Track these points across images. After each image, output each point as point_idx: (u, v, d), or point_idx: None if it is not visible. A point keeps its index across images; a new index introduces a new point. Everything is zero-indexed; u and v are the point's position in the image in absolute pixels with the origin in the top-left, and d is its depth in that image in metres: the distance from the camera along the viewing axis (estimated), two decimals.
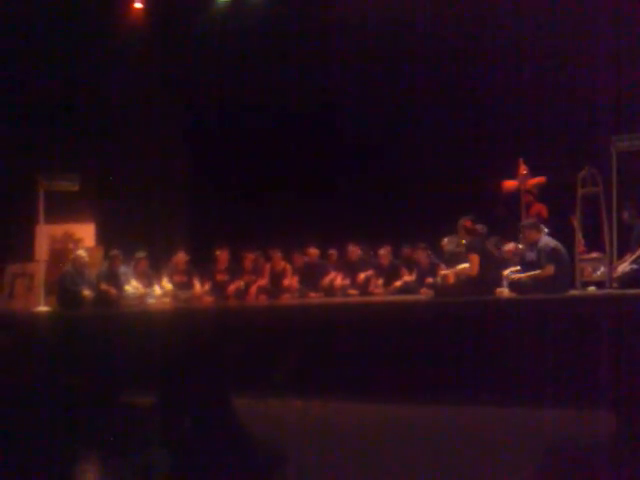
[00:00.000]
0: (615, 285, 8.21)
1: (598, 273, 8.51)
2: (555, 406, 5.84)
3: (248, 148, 12.05)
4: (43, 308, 9.26)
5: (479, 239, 8.23)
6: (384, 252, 10.32)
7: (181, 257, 10.28)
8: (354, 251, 10.61)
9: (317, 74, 11.87)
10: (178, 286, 10.11)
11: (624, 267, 8.32)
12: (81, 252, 9.79)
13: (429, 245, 10.03)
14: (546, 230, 8.30)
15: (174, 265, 10.31)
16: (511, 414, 5.97)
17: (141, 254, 9.98)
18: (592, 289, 8.33)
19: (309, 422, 6.25)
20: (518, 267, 8.33)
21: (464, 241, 8.43)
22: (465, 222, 8.27)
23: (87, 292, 9.33)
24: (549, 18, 10.22)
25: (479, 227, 8.47)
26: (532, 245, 8.07)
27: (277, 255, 10.55)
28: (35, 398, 6.74)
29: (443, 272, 8.76)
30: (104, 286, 9.34)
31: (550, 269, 7.68)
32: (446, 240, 9.54)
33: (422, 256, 9.99)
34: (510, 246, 9.14)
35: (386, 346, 6.85)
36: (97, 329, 8.13)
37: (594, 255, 8.62)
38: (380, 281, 10.21)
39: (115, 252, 9.65)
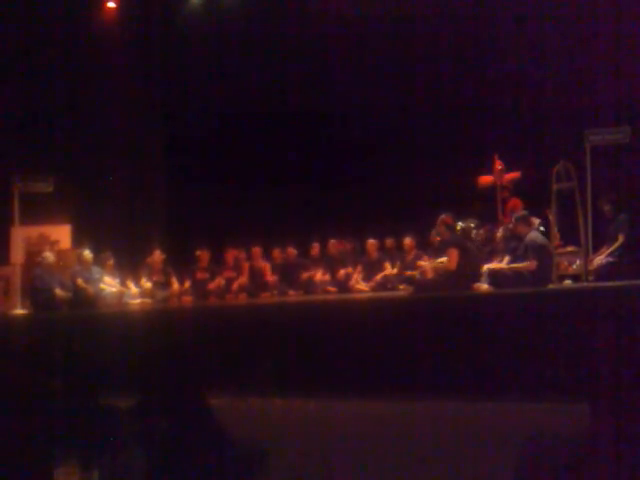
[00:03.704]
0: (591, 278, 8.31)
1: (574, 266, 8.61)
2: (534, 399, 5.90)
3: (226, 145, 12.01)
4: (20, 311, 9.18)
5: (459, 235, 8.29)
6: (371, 244, 10.32)
7: (157, 256, 10.20)
8: (335, 246, 10.62)
9: (295, 70, 11.86)
10: (156, 285, 10.05)
11: (600, 260, 8.42)
12: (47, 254, 9.66)
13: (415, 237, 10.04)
14: (537, 222, 8.32)
15: (150, 264, 10.25)
16: (490, 408, 6.02)
17: (106, 254, 9.90)
18: (568, 282, 8.41)
19: (290, 421, 6.25)
20: (501, 264, 8.34)
21: (439, 237, 8.50)
22: (446, 218, 8.33)
23: (60, 292, 9.25)
24: (523, 15, 10.31)
25: (470, 224, 8.55)
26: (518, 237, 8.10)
27: (257, 252, 10.53)
28: (13, 402, 6.67)
29: (422, 267, 8.77)
30: (81, 283, 9.28)
31: (533, 264, 7.72)
32: (435, 233, 9.55)
33: (409, 244, 9.96)
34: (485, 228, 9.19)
35: (366, 343, 6.87)
36: (75, 331, 8.05)
37: (570, 249, 8.71)
38: (360, 276, 10.20)
39: (85, 252, 9.57)
